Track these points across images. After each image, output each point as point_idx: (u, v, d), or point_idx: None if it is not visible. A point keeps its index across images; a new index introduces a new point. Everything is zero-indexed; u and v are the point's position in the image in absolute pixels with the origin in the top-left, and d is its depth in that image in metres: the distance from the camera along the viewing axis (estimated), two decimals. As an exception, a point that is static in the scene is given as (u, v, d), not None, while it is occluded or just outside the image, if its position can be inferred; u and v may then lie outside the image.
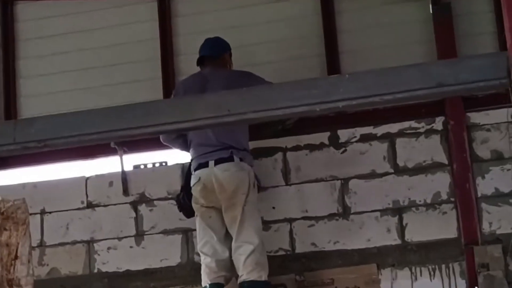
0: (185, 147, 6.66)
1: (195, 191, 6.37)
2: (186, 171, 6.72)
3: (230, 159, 6.30)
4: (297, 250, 6.95)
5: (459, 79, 3.55)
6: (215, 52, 6.72)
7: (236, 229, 6.26)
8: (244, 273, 6.19)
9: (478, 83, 3.57)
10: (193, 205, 6.45)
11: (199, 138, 6.43)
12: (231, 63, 6.74)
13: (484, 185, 6.72)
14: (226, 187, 6.25)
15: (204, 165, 6.34)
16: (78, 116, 3.90)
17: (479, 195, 6.71)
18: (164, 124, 3.77)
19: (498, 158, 6.65)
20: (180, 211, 6.65)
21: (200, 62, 6.74)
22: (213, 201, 6.33)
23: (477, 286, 6.42)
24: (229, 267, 6.35)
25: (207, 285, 6.31)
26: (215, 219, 6.37)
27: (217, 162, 6.30)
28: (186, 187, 6.53)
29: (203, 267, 6.38)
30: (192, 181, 6.41)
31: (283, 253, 6.95)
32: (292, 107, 3.63)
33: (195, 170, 6.42)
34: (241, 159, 6.33)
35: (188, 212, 6.58)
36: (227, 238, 6.37)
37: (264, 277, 6.22)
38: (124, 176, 7.30)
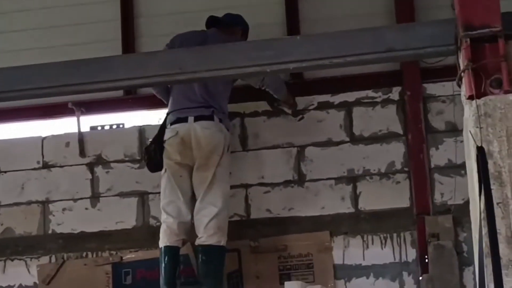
0: (165, 96, 6.59)
1: (171, 145, 6.30)
2: (161, 123, 6.59)
3: (210, 117, 6.28)
4: (252, 216, 6.99)
5: (408, 45, 3.61)
6: (227, 19, 6.72)
7: (203, 190, 6.23)
8: (204, 236, 6.19)
9: (427, 49, 3.64)
10: (165, 160, 6.35)
11: (182, 92, 6.35)
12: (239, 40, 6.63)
13: (438, 156, 6.80)
14: (203, 145, 6.21)
15: (184, 120, 6.28)
16: (31, 70, 3.90)
17: (433, 166, 6.80)
18: (116, 81, 3.78)
19: (452, 129, 6.72)
20: (147, 164, 6.49)
21: (209, 25, 6.69)
22: (188, 158, 6.26)
23: (427, 255, 6.51)
24: (189, 230, 6.34)
25: (163, 247, 6.28)
26: (185, 179, 6.32)
27: (197, 119, 6.25)
28: (158, 140, 6.41)
29: (163, 227, 6.33)
30: (168, 135, 6.33)
31: (238, 218, 6.99)
32: (244, 67, 3.67)
33: (171, 124, 6.35)
34: (220, 120, 6.33)
35: (156, 166, 6.43)
36: (192, 201, 6.35)
37: (223, 242, 6.24)
38: (81, 137, 7.28)
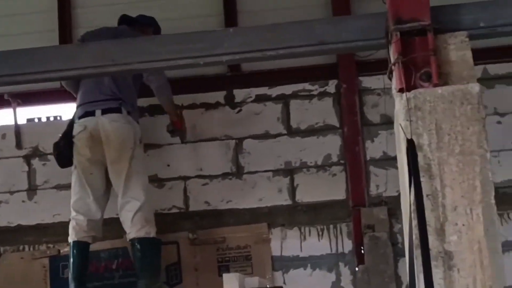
0: (75, 89, 6.50)
1: (80, 140, 6.23)
2: (71, 118, 6.52)
3: (118, 110, 6.21)
4: (191, 208, 6.99)
5: (340, 38, 3.64)
6: (141, 19, 6.71)
7: (122, 185, 6.17)
8: (133, 231, 6.14)
9: (358, 42, 3.67)
10: (76, 156, 6.27)
11: (91, 85, 6.27)
12: None
13: (373, 149, 6.88)
14: (113, 139, 6.14)
15: (91, 113, 6.21)
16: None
17: (368, 158, 6.88)
18: (48, 72, 3.74)
19: (387, 122, 6.79)
20: (56, 159, 6.40)
21: (121, 23, 6.67)
22: (99, 153, 6.18)
23: (363, 246, 6.58)
24: (99, 227, 6.28)
25: (72, 242, 6.20)
26: (96, 177, 6.24)
27: (104, 112, 6.18)
28: (67, 135, 6.33)
29: (73, 223, 6.23)
30: (76, 130, 6.25)
31: (177, 210, 6.99)
32: (177, 59, 3.66)
33: (79, 118, 6.27)
34: (128, 113, 6.27)
35: (66, 161, 6.35)
36: (103, 198, 6.29)
37: (152, 233, 6.20)
38: (17, 129, 7.20)
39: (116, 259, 6.91)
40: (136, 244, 6.15)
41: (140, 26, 6.66)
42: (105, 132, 6.15)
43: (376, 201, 6.76)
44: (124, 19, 6.72)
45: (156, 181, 6.99)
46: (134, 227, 6.14)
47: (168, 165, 7.03)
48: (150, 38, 3.63)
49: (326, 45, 3.63)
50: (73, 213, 6.26)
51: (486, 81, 6.77)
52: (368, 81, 6.93)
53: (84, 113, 6.25)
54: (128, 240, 6.22)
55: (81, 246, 6.20)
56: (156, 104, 7.01)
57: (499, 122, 6.81)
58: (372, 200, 6.78)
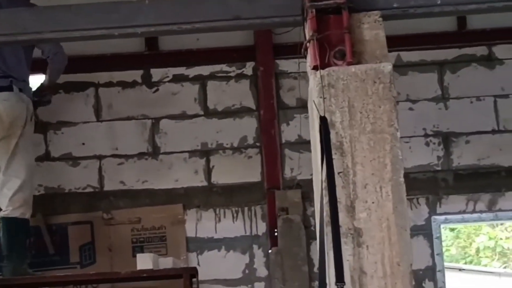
0: None
1: None
2: None
3: (9, 88, 6.09)
4: (106, 188, 6.93)
5: (255, 14, 3.65)
6: None
7: (6, 161, 6.08)
8: (9, 209, 6.04)
9: (274, 18, 3.69)
10: None
11: None
12: None
13: (288, 132, 6.93)
14: (4, 117, 6.03)
15: None
16: None
17: (283, 141, 6.92)
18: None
19: (303, 106, 6.81)
20: None
21: None
22: None
23: (276, 229, 6.62)
24: None
25: None
26: None
27: None
28: None
29: None
30: None
31: (91, 190, 6.92)
32: (91, 29, 3.61)
33: None
34: (20, 90, 6.15)
35: None
36: None
37: (28, 215, 6.12)
38: None
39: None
40: (8, 222, 6.05)
41: None
42: None
43: (291, 184, 6.81)
44: None
45: (71, 159, 6.91)
46: (12, 205, 6.05)
47: (83, 144, 6.95)
48: (64, 7, 3.56)
49: (241, 20, 3.63)
50: None
51: (399, 68, 6.88)
52: (285, 65, 6.96)
53: None
54: (0, 216, 6.10)
55: None
56: (71, 81, 6.93)
57: (411, 109, 6.93)
58: (287, 183, 6.82)
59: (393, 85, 3.62)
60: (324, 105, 3.61)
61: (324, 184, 3.56)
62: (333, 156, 3.58)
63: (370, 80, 3.62)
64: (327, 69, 3.63)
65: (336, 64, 3.63)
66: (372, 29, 3.68)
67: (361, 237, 3.60)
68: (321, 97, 3.61)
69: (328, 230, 3.56)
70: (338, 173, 3.61)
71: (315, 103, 3.64)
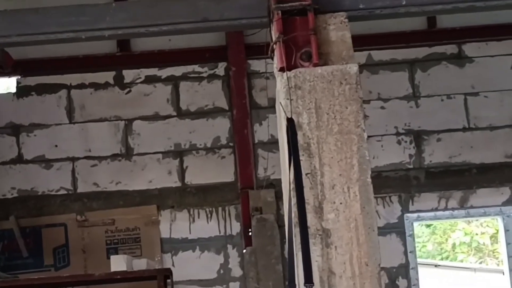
0: None
1: None
2: None
3: None
4: (79, 190, 6.92)
5: (223, 15, 3.65)
6: None
7: None
8: None
9: (241, 20, 3.69)
10: None
11: None
12: None
13: (261, 132, 6.94)
14: None
15: None
16: None
17: (256, 141, 6.93)
18: None
19: (275, 105, 6.84)
20: None
21: None
22: None
23: (251, 228, 6.63)
24: None
25: None
26: None
27: None
28: None
29: None
30: None
31: (65, 192, 6.90)
32: (58, 33, 3.60)
33: None
34: None
35: None
36: None
37: None
38: None
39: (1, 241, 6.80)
40: None
41: None
42: None
43: (264, 184, 6.82)
44: None
45: (44, 161, 6.89)
46: None
47: (56, 146, 6.93)
48: (32, 10, 3.54)
49: (209, 22, 3.64)
50: None
51: (370, 66, 6.92)
52: (256, 65, 6.98)
53: None
54: None
55: None
56: (43, 83, 6.91)
57: (382, 108, 6.96)
58: (260, 183, 6.83)
59: (359, 86, 3.63)
60: (291, 107, 3.62)
61: (292, 185, 3.57)
62: (301, 157, 3.59)
63: (336, 81, 3.63)
64: (293, 70, 3.64)
65: (302, 66, 3.64)
66: (338, 30, 3.69)
67: (329, 237, 3.61)
68: (288, 99, 3.61)
69: (296, 231, 3.57)
70: (306, 174, 3.62)
71: (282, 105, 3.65)
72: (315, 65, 3.63)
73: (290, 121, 3.59)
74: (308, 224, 3.58)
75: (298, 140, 3.59)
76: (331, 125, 3.63)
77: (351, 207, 3.62)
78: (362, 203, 3.63)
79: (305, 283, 3.51)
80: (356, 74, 3.62)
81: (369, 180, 3.65)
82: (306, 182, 3.60)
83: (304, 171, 3.59)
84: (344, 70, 3.63)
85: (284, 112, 3.62)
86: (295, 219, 3.57)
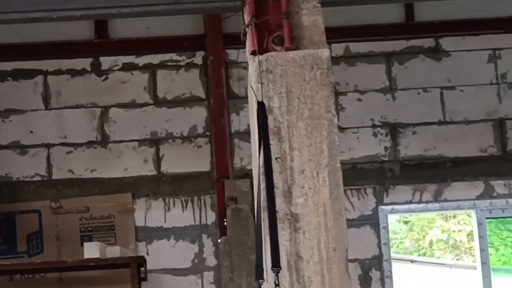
0: None
1: None
2: None
3: None
4: (54, 176, 6.89)
5: (196, -2, 3.64)
6: None
7: None
8: None
9: (214, 3, 3.69)
10: None
11: None
12: None
13: (238, 122, 6.93)
14: None
15: None
16: None
17: (233, 131, 6.92)
18: None
19: (252, 95, 6.86)
20: None
21: None
22: None
23: (226, 218, 6.63)
24: None
25: None
26: None
27: None
28: None
29: None
30: None
31: (39, 178, 6.87)
32: (29, 12, 3.58)
33: None
34: None
35: None
36: None
37: None
38: None
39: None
40: None
41: None
42: None
43: (240, 174, 6.82)
44: None
45: (19, 147, 6.86)
46: None
47: (31, 132, 6.90)
48: (1, -11, 3.52)
49: (181, 4, 3.63)
50: None
51: (348, 58, 6.92)
52: (234, 54, 6.96)
53: None
54: None
55: None
56: (19, 68, 6.88)
57: (359, 100, 6.96)
58: (236, 173, 6.83)
59: (330, 71, 3.64)
60: (262, 91, 3.62)
61: (262, 169, 3.57)
62: (271, 142, 3.60)
63: (308, 65, 3.64)
64: (265, 54, 3.64)
65: (274, 50, 3.65)
66: (310, 15, 3.70)
67: (297, 222, 3.63)
68: (259, 82, 3.62)
69: (265, 215, 3.57)
70: (276, 158, 3.63)
71: (253, 88, 3.65)
72: (287, 49, 3.64)
73: (261, 105, 3.59)
74: (277, 208, 3.59)
75: (268, 124, 3.60)
76: (302, 110, 3.64)
77: (320, 192, 3.63)
78: (331, 188, 3.64)
79: (272, 267, 3.52)
80: (328, 59, 3.63)
81: (339, 165, 3.66)
82: (275, 166, 3.61)
83: (274, 155, 3.60)
84: (315, 54, 3.64)
85: (255, 95, 3.62)
86: (264, 203, 3.58)
